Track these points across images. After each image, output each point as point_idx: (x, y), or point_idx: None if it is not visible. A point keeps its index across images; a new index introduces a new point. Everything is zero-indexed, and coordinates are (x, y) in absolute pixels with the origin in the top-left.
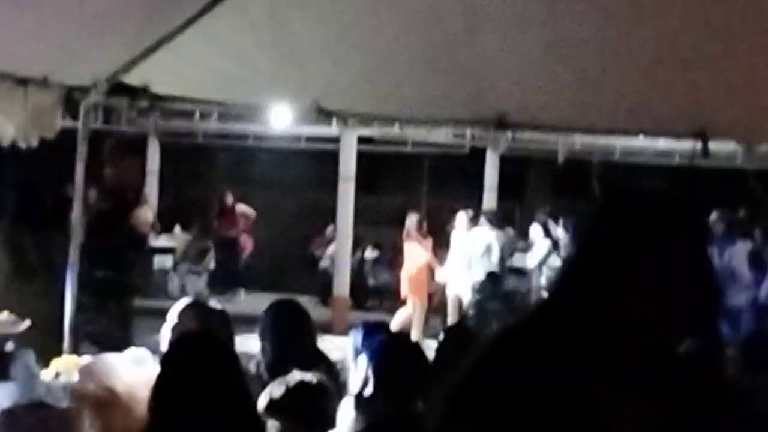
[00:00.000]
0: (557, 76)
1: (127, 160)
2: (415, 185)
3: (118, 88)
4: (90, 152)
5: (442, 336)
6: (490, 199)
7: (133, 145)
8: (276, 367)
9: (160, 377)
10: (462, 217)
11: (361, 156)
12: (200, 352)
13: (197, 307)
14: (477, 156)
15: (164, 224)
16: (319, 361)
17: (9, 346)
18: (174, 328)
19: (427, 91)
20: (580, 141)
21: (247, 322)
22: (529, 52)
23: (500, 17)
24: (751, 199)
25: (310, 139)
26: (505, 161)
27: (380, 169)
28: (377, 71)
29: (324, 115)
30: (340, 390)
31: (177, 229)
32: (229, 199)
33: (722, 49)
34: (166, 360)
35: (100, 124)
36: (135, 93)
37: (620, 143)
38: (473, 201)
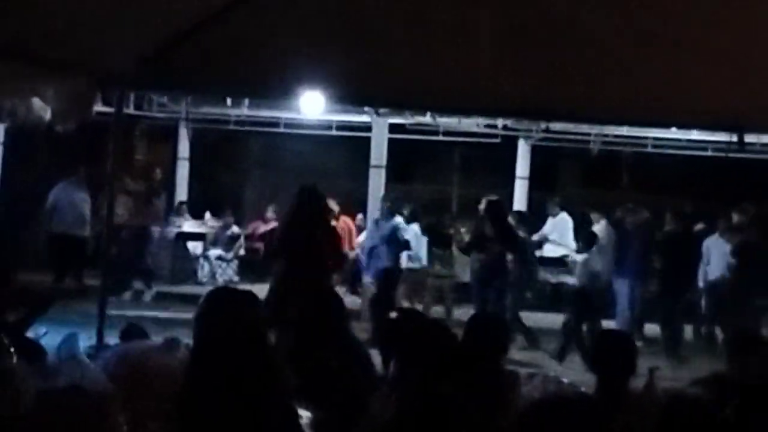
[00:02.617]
0: (592, 67)
1: (157, 146)
2: (447, 174)
3: (152, 72)
4: (123, 136)
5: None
6: (521, 189)
7: (163, 131)
8: (307, 354)
9: (192, 362)
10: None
11: (392, 144)
12: (231, 338)
13: (227, 292)
14: (509, 145)
15: (194, 211)
16: (351, 348)
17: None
18: (204, 314)
19: (459, 80)
20: (612, 132)
21: None
22: (564, 43)
23: (536, 11)
24: None
25: (341, 126)
26: (536, 151)
27: (411, 157)
28: (410, 60)
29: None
30: (372, 377)
31: (207, 215)
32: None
33: (758, 42)
34: (197, 345)
35: (131, 110)
36: (168, 77)
37: (653, 134)
38: (505, 190)
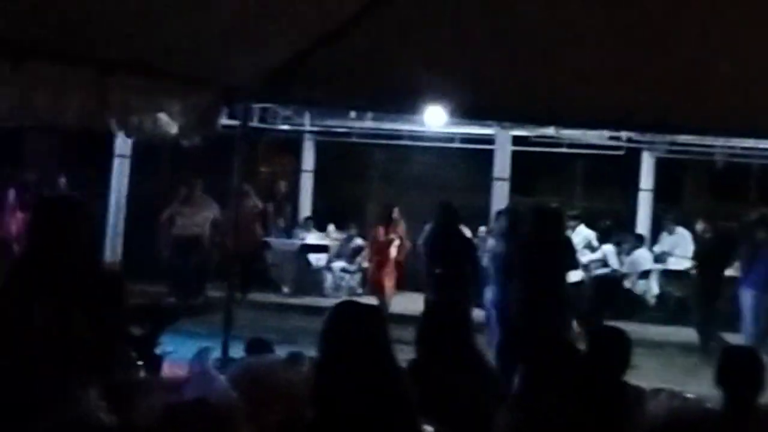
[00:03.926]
0: (716, 79)
1: (281, 158)
2: (570, 187)
3: (277, 86)
4: (249, 149)
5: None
6: (645, 202)
7: (287, 144)
8: (429, 369)
9: (317, 376)
10: None
11: (516, 156)
12: (357, 352)
13: (351, 306)
14: (633, 158)
15: (318, 223)
16: (475, 362)
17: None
18: (330, 328)
19: (584, 93)
20: (739, 144)
21: (401, 321)
22: (685, 56)
23: (665, 25)
24: None
25: (465, 139)
26: (661, 163)
27: (535, 170)
28: (535, 74)
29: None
30: (496, 392)
31: (331, 227)
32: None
33: None
34: (322, 359)
35: (256, 122)
36: (293, 91)
37: None
38: (628, 203)
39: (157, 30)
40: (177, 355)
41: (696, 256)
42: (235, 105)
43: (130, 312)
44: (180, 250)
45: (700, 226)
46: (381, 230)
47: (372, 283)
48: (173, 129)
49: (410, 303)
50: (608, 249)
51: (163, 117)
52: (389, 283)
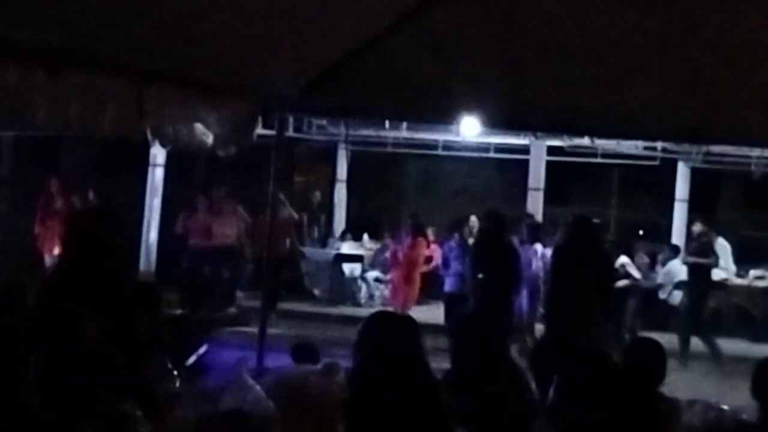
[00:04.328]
0: (752, 88)
1: (316, 168)
2: (605, 197)
3: (313, 97)
4: (284, 158)
5: None
6: (680, 212)
7: (322, 153)
8: (465, 380)
9: (352, 386)
10: None
11: (550, 166)
12: (392, 362)
13: (386, 316)
14: (668, 168)
15: (352, 232)
16: (511, 373)
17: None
18: (365, 338)
19: (618, 103)
20: None
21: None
22: (717, 67)
23: (697, 35)
24: None
25: (499, 149)
26: (696, 173)
27: (570, 179)
28: (569, 84)
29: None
30: (531, 402)
31: (365, 237)
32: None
33: None
34: (357, 368)
35: (291, 132)
36: (328, 102)
37: None
38: (663, 213)
39: (194, 40)
40: (213, 365)
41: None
42: (270, 115)
43: (165, 322)
44: (209, 260)
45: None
46: (404, 241)
47: (392, 294)
48: (209, 139)
49: (429, 313)
50: (624, 260)
51: (199, 127)
52: (410, 294)
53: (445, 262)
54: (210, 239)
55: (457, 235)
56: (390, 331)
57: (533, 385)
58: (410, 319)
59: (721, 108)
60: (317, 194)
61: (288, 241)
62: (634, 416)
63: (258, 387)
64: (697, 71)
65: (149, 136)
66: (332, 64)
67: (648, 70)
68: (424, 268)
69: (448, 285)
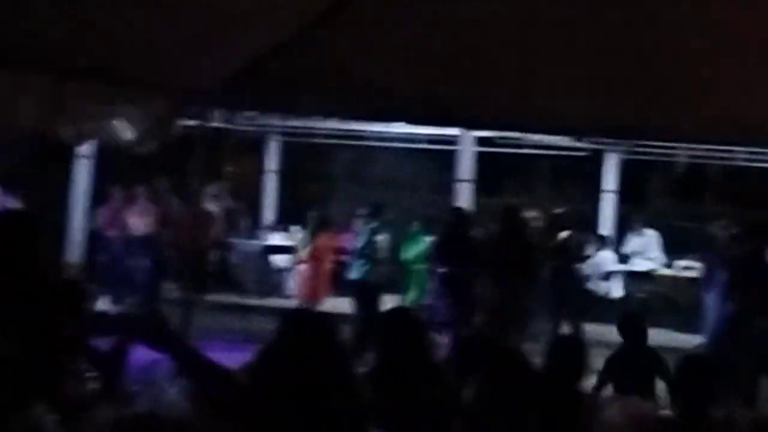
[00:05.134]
0: (681, 86)
1: (245, 159)
2: (535, 188)
3: (235, 92)
4: (210, 150)
5: None
6: (609, 203)
7: (252, 144)
8: (386, 377)
9: (260, 387)
10: None
11: (480, 157)
12: (305, 364)
13: (305, 314)
14: (597, 159)
15: (282, 223)
16: (432, 372)
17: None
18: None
19: (545, 99)
20: (702, 145)
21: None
22: (645, 64)
23: (625, 32)
24: None
25: (430, 140)
26: (626, 164)
27: (500, 170)
28: (496, 79)
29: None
30: (448, 400)
31: (295, 228)
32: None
33: None
34: (267, 372)
35: (220, 123)
36: (251, 96)
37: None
38: (593, 204)
39: (114, 36)
40: (132, 365)
41: None
42: (193, 110)
43: (90, 320)
44: (128, 252)
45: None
46: (315, 236)
47: (302, 287)
48: (129, 135)
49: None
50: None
51: (119, 123)
52: (319, 288)
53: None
54: (126, 230)
55: (375, 223)
56: (308, 331)
57: (454, 383)
58: (327, 316)
59: (648, 105)
60: (247, 185)
61: (215, 232)
62: (554, 415)
63: (174, 389)
64: (625, 68)
65: (68, 133)
66: (255, 59)
67: (575, 67)
68: (333, 260)
69: (357, 272)
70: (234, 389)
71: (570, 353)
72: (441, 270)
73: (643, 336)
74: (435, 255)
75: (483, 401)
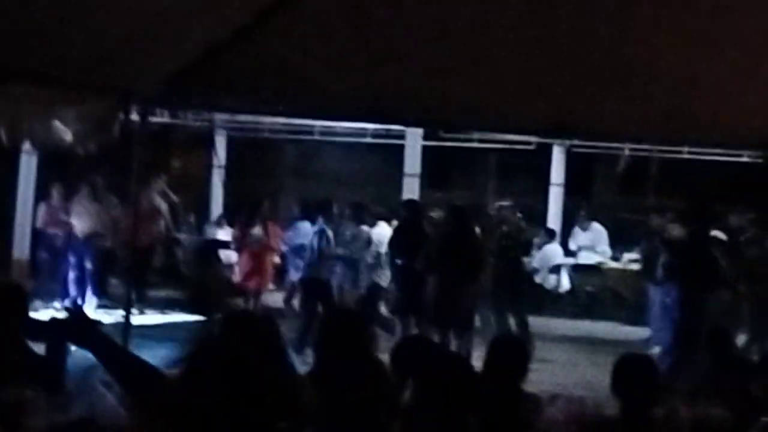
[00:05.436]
0: (621, 85)
1: (191, 155)
2: (482, 181)
3: (175, 91)
4: (156, 145)
5: None
6: (556, 196)
7: (198, 140)
8: (325, 378)
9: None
10: None
11: (428, 151)
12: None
13: (240, 314)
14: (545, 152)
15: (229, 218)
16: (372, 372)
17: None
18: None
19: (488, 95)
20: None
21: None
22: (594, 62)
23: (565, 32)
24: None
25: (376, 134)
26: (572, 158)
27: (448, 164)
28: (437, 77)
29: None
30: (387, 402)
31: (240, 222)
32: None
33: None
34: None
35: (166, 118)
36: (192, 95)
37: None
38: (541, 197)
39: (51, 37)
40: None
41: None
42: (133, 110)
43: (30, 323)
44: (70, 250)
45: None
46: (248, 228)
47: (245, 281)
48: (67, 136)
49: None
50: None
51: (56, 124)
52: (262, 282)
53: (302, 246)
54: (66, 228)
55: (320, 219)
56: (242, 329)
57: (394, 384)
58: (266, 315)
59: (586, 104)
60: (194, 180)
61: (160, 228)
62: (494, 414)
63: (111, 394)
64: (563, 66)
65: (2, 136)
66: (197, 58)
67: (514, 64)
68: (274, 254)
69: (305, 270)
70: (165, 390)
71: (512, 352)
72: (397, 262)
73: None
74: (390, 247)
75: (422, 402)
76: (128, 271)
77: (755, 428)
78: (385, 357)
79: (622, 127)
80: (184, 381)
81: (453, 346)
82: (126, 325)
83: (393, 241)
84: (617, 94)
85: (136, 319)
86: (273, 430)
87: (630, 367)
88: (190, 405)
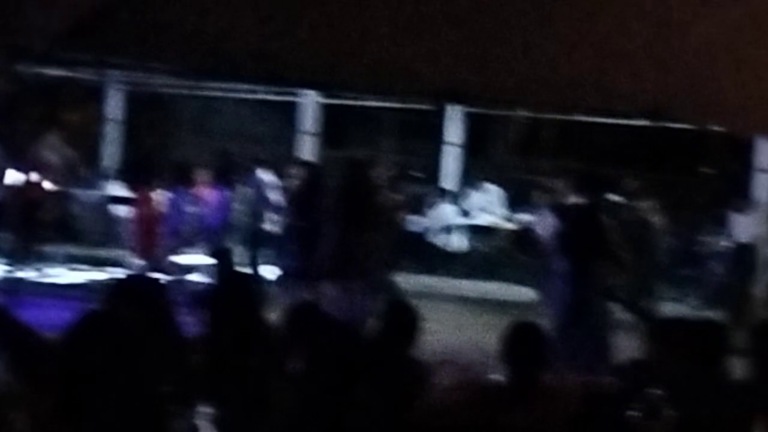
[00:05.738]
0: (511, 52)
1: (85, 108)
2: (380, 140)
3: (65, 47)
4: (49, 99)
5: None
6: (451, 156)
7: (93, 93)
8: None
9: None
10: None
11: (326, 109)
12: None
13: (136, 281)
14: (442, 112)
15: (124, 174)
16: (261, 341)
17: None
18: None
19: (383, 60)
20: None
21: None
22: (487, 29)
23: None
24: None
25: (275, 91)
26: (469, 118)
27: (346, 122)
28: (331, 40)
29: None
30: (279, 371)
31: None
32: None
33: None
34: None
35: (58, 73)
36: (83, 51)
37: None
38: (437, 157)
39: None
40: None
41: None
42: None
43: None
44: None
45: None
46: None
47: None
48: None
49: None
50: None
51: None
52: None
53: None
54: None
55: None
56: (130, 297)
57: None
58: (155, 279)
59: (480, 70)
60: (88, 134)
61: (52, 182)
62: (381, 381)
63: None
64: (456, 34)
65: None
66: (84, 17)
67: (410, 29)
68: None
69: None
70: (49, 358)
71: (400, 319)
72: (294, 224)
73: None
74: (288, 210)
75: (309, 369)
76: (19, 225)
77: (642, 397)
78: (274, 321)
79: (514, 94)
80: (67, 346)
81: (348, 300)
82: (12, 280)
83: (290, 204)
84: (509, 61)
85: (23, 274)
86: (157, 394)
87: (518, 336)
88: (73, 371)
